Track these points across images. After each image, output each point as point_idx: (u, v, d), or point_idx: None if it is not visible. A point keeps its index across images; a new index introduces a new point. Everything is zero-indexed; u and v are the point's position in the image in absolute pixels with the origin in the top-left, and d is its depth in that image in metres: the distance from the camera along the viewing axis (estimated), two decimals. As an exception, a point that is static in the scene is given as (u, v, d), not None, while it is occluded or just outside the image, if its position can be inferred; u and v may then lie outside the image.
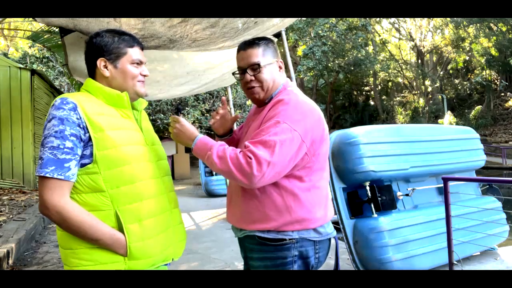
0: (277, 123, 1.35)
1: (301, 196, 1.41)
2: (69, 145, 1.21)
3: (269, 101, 1.52)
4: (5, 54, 16.77)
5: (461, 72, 31.37)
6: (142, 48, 1.44)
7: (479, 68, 28.38)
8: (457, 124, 22.75)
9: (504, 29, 25.36)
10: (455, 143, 3.80)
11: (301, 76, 24.51)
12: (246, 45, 1.53)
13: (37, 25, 10.19)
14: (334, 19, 22.76)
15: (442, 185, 3.05)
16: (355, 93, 33.31)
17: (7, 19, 10.89)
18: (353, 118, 30.77)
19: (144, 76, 1.43)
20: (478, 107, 25.46)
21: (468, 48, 27.32)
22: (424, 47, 29.88)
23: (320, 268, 1.55)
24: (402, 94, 32.36)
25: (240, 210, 1.48)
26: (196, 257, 4.16)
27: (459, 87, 29.51)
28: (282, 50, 3.86)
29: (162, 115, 15.53)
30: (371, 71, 28.21)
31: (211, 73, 4.87)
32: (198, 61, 4.35)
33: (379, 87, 32.17)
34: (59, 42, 5.55)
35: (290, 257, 1.41)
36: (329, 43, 23.18)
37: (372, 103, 32.59)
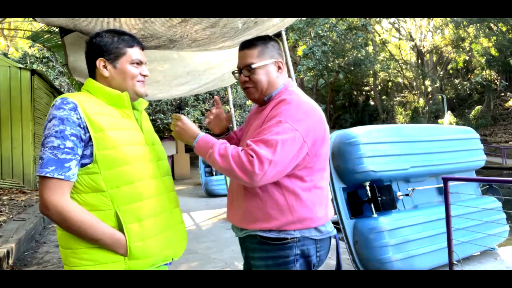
0: (279, 123, 1.36)
1: (303, 196, 1.41)
2: (70, 145, 1.21)
3: (269, 100, 1.53)
4: (5, 54, 16.78)
5: (461, 72, 31.38)
6: (143, 48, 1.44)
7: (479, 68, 28.38)
8: (457, 124, 22.75)
9: (504, 29, 25.36)
10: (455, 143, 3.80)
11: (301, 76, 24.51)
12: (244, 46, 1.56)
13: (37, 25, 10.19)
14: (334, 19, 22.76)
15: (442, 185, 3.05)
16: (355, 93, 33.32)
17: (7, 19, 10.89)
18: (353, 118, 30.78)
19: (144, 76, 1.43)
20: (478, 107, 25.46)
21: (468, 48, 27.33)
22: (424, 47, 29.88)
23: (321, 268, 1.55)
24: (402, 94, 32.37)
25: (241, 209, 1.48)
26: (196, 257, 4.16)
27: (459, 87, 29.51)
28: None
29: (162, 115, 15.53)
30: (371, 71, 28.22)
31: (211, 73, 4.87)
32: (198, 61, 4.34)
33: (379, 87, 32.17)
34: (59, 42, 5.55)
35: (292, 256, 1.42)
36: (329, 43, 23.19)
37: (372, 103, 32.60)
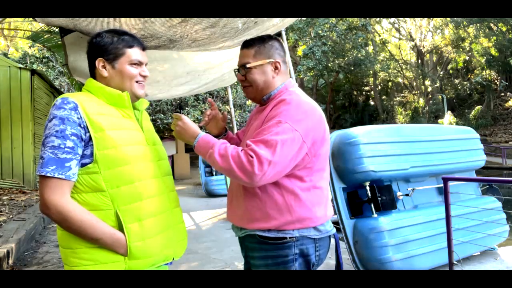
0: (279, 123, 1.36)
1: (302, 196, 1.42)
2: (70, 145, 1.21)
3: (269, 100, 1.54)
4: (5, 54, 16.78)
5: (461, 72, 31.38)
6: (144, 49, 1.43)
7: (479, 68, 28.38)
8: (457, 124, 22.75)
9: (504, 29, 25.36)
10: (455, 143, 3.80)
11: (301, 76, 24.51)
12: (242, 45, 1.58)
13: (37, 25, 10.19)
14: (334, 19, 22.77)
15: (442, 185, 3.05)
16: (355, 93, 33.32)
17: (7, 19, 10.89)
18: (353, 118, 30.78)
19: (144, 76, 1.42)
20: (478, 107, 25.46)
21: (468, 48, 27.32)
22: (424, 47, 29.88)
23: (321, 268, 1.55)
24: (402, 94, 32.36)
25: (241, 209, 1.49)
26: (196, 257, 4.16)
27: (459, 87, 29.51)
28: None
29: (162, 115, 15.54)
30: (371, 71, 28.22)
31: (211, 73, 4.87)
32: (198, 61, 4.35)
33: (379, 87, 32.17)
34: (59, 42, 5.55)
35: (291, 255, 1.42)
36: (329, 43, 23.19)
37: (372, 103, 32.60)
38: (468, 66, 30.39)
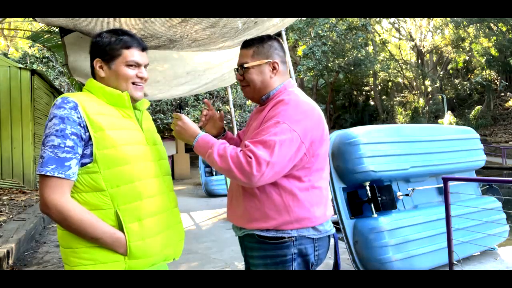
0: (277, 123, 1.36)
1: (300, 196, 1.42)
2: (70, 144, 1.21)
3: (268, 100, 1.54)
4: (5, 54, 16.78)
5: (461, 72, 31.38)
6: (144, 49, 1.41)
7: (479, 68, 28.38)
8: (457, 124, 22.75)
9: (504, 29, 25.36)
10: (455, 143, 3.80)
11: (301, 76, 24.51)
12: (242, 45, 1.59)
13: (37, 25, 10.19)
14: (334, 19, 22.77)
15: (442, 185, 3.05)
16: (355, 93, 33.31)
17: (7, 19, 10.89)
18: (353, 118, 30.77)
19: (141, 78, 1.39)
20: (478, 107, 25.46)
21: (468, 48, 27.32)
22: (424, 47, 29.88)
23: (321, 268, 1.55)
24: (402, 94, 32.36)
25: (240, 209, 1.49)
26: (196, 257, 4.16)
27: (459, 87, 29.50)
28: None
29: (162, 115, 15.55)
30: (371, 71, 28.20)
31: (211, 73, 4.88)
32: (198, 61, 4.35)
33: (379, 87, 32.16)
34: (59, 42, 5.56)
35: (289, 255, 1.42)
36: (329, 43, 23.19)
37: (372, 103, 32.59)
38: (468, 66, 30.39)
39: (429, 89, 29.21)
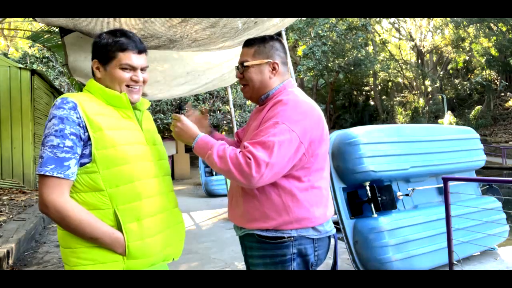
0: (276, 124, 1.36)
1: (299, 196, 1.42)
2: (69, 144, 1.21)
3: (267, 100, 1.54)
4: (5, 54, 16.78)
5: (461, 72, 31.38)
6: (141, 52, 1.38)
7: (479, 68, 28.38)
8: (457, 124, 22.75)
9: (504, 29, 25.36)
10: (455, 143, 3.80)
11: (301, 76, 24.51)
12: (244, 44, 1.59)
13: (37, 25, 10.19)
14: (334, 19, 22.77)
15: (442, 185, 3.05)
16: (355, 93, 33.30)
17: (7, 19, 10.89)
18: (353, 118, 30.76)
19: (136, 82, 1.36)
20: (478, 107, 25.46)
21: (468, 48, 27.32)
22: (424, 47, 29.88)
23: (321, 268, 1.55)
24: (402, 94, 32.35)
25: (240, 209, 1.49)
26: (196, 257, 4.16)
27: (459, 87, 29.50)
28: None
29: (162, 115, 15.55)
30: (371, 71, 28.20)
31: (211, 73, 4.88)
32: (198, 61, 4.35)
33: (379, 87, 32.16)
34: (59, 42, 5.55)
35: (289, 254, 1.42)
36: (329, 43, 23.18)
37: (372, 103, 32.58)
38: (468, 66, 30.39)
39: (429, 89, 29.21)
